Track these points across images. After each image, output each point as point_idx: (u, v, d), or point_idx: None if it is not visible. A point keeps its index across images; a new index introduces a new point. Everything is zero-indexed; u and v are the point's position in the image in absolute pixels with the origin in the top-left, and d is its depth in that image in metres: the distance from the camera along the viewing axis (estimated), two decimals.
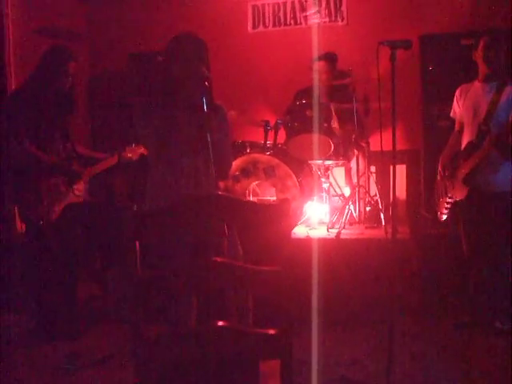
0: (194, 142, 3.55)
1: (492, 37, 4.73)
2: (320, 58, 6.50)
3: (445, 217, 5.02)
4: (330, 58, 6.52)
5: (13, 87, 6.56)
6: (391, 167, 3.96)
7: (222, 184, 5.76)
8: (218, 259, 2.29)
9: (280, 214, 2.26)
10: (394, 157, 3.84)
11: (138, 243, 2.36)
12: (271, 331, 2.23)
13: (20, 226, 5.91)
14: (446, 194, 4.96)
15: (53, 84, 4.96)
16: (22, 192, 4.85)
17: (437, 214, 5.15)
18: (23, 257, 5.54)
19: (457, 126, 5.07)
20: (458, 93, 4.99)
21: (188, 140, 3.57)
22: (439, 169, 5.07)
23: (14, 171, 4.90)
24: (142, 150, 5.15)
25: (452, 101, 5.09)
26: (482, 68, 4.77)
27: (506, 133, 4.45)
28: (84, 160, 5.25)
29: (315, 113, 5.68)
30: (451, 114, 5.10)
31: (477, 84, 4.85)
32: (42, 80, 4.94)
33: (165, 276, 2.35)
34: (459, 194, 4.81)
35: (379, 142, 4.63)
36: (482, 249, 4.82)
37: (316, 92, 6.11)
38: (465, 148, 4.79)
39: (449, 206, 4.96)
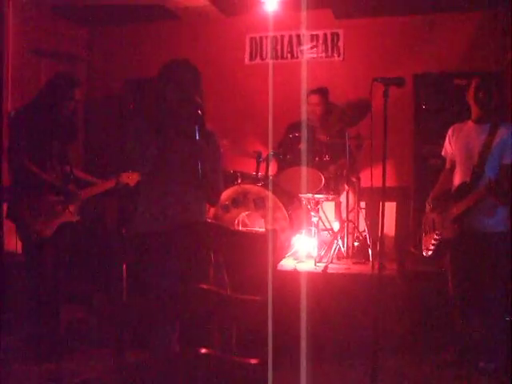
0: (184, 169, 3.56)
1: (483, 78, 4.76)
2: (314, 92, 6.56)
3: (430, 253, 5.01)
4: (322, 91, 6.58)
5: (9, 106, 6.59)
6: (381, 203, 3.98)
7: (211, 212, 5.78)
8: (204, 286, 2.30)
9: (267, 245, 2.27)
10: (383, 193, 3.87)
11: (125, 267, 2.37)
12: (253, 360, 2.23)
13: (15, 245, 5.89)
14: (434, 230, 4.96)
15: (57, 108, 5.01)
16: (20, 208, 4.87)
17: (423, 250, 5.15)
18: (18, 275, 5.52)
19: (447, 165, 5.07)
20: (450, 132, 4.99)
21: (179, 166, 3.57)
22: (429, 204, 5.07)
23: (13, 188, 4.92)
24: (138, 176, 5.18)
25: (443, 140, 5.11)
26: (474, 109, 4.80)
27: (503, 179, 4.45)
28: (81, 183, 5.27)
29: (304, 146, 5.73)
30: (442, 153, 5.10)
31: (470, 124, 4.85)
32: (47, 103, 4.99)
33: (150, 301, 2.36)
34: (448, 232, 4.81)
35: (370, 177, 4.68)
36: (468, 288, 4.82)
37: (307, 126, 6.16)
38: (457, 188, 4.78)
39: (436, 242, 4.95)
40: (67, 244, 5.15)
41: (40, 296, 4.98)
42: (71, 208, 5.09)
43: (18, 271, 5.32)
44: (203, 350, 2.27)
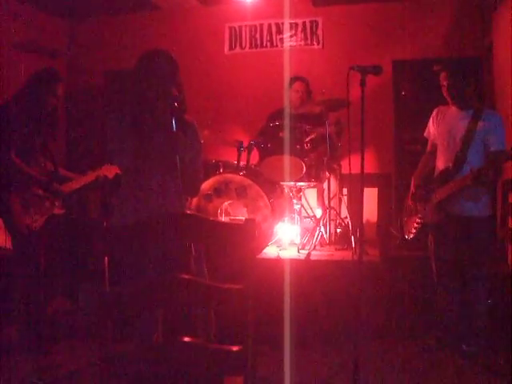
0: (163, 161, 3.54)
1: (451, 69, 4.78)
2: (297, 78, 6.60)
3: (411, 236, 5.06)
4: (303, 79, 6.62)
5: None
6: (360, 189, 4.01)
7: (194, 202, 5.80)
8: (184, 276, 2.33)
9: (245, 235, 2.30)
10: (362, 179, 3.90)
11: (106, 258, 2.40)
12: (235, 348, 2.27)
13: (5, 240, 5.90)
14: (416, 214, 5.00)
15: (40, 103, 5.00)
16: (8, 202, 4.87)
17: (405, 232, 5.19)
18: (8, 269, 5.54)
19: (429, 147, 5.10)
20: (434, 113, 5.02)
21: (157, 158, 3.55)
22: (411, 188, 5.09)
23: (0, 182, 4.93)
24: (117, 169, 5.19)
25: (423, 125, 5.13)
26: (447, 99, 4.84)
27: (489, 166, 4.47)
28: (63, 180, 5.29)
29: (286, 134, 5.76)
30: (425, 134, 5.11)
31: (453, 109, 4.87)
32: (31, 98, 4.98)
33: (132, 292, 2.39)
34: (431, 217, 4.85)
35: (350, 164, 4.72)
36: (451, 272, 4.86)
37: (288, 113, 6.21)
38: (440, 173, 4.83)
39: (418, 226, 4.99)
40: (55, 236, 5.18)
41: (30, 288, 5.00)
42: (56, 202, 5.11)
43: (7, 266, 5.35)
44: (186, 339, 2.30)
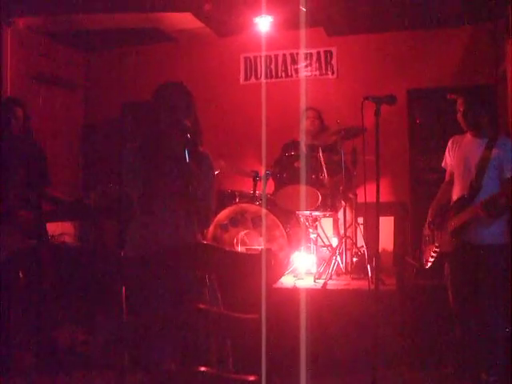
0: (175, 192, 3.57)
1: (466, 96, 4.79)
2: (311, 108, 6.65)
3: (429, 264, 5.03)
4: (314, 108, 6.67)
5: None
6: (376, 218, 4.02)
7: (210, 232, 5.82)
8: (200, 306, 2.34)
9: (261, 264, 2.31)
10: (377, 208, 3.91)
11: (123, 289, 2.41)
12: (250, 377, 2.27)
13: None
14: (433, 242, 4.98)
15: (3, 129, 5.15)
16: None
17: (422, 261, 5.16)
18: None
19: (447, 177, 5.08)
20: (450, 144, 5.00)
21: (169, 189, 3.58)
22: (428, 217, 5.08)
23: None
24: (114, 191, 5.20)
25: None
26: (463, 126, 4.84)
27: (503, 193, 4.46)
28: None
29: (301, 164, 5.78)
30: (442, 165, 5.09)
31: (468, 137, 4.85)
32: None
33: (148, 321, 2.40)
34: (447, 245, 4.82)
35: (366, 193, 4.72)
36: (468, 301, 4.82)
37: (304, 144, 6.23)
38: (456, 201, 4.80)
39: (435, 255, 4.96)
40: (27, 268, 5.11)
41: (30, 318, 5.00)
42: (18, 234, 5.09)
43: None
44: (201, 368, 2.31)
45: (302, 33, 7.29)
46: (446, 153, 5.04)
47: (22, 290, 5.00)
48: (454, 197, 4.86)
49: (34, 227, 5.12)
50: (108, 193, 5.22)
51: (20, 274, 4.98)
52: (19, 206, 5.05)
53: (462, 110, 4.76)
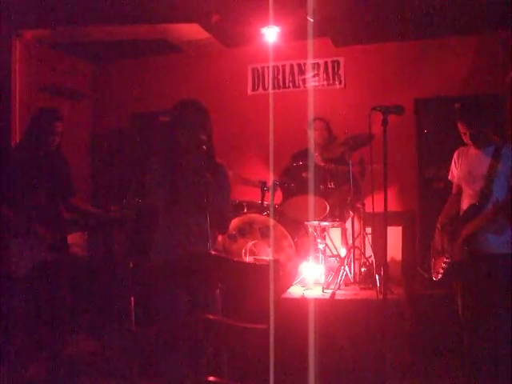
0: (193, 202, 3.82)
1: (466, 116, 4.75)
2: (319, 118, 6.65)
3: (440, 276, 5.01)
4: (322, 119, 6.67)
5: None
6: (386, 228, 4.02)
7: (219, 243, 5.82)
8: (210, 316, 2.34)
9: (269, 274, 2.32)
10: (385, 218, 3.91)
11: (133, 299, 2.42)
12: None
13: None
14: (444, 253, 4.96)
15: (40, 144, 5.06)
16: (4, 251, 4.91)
17: (432, 272, 5.14)
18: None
19: (454, 189, 5.07)
20: (455, 156, 5.01)
21: (188, 200, 3.83)
22: (437, 228, 5.07)
23: None
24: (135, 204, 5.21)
25: (447, 163, 5.11)
26: (469, 144, 4.84)
27: (510, 199, 4.46)
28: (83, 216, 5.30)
29: (310, 174, 5.79)
30: (449, 177, 5.10)
31: (474, 148, 4.85)
32: (30, 141, 5.06)
33: (158, 331, 2.40)
34: (458, 255, 4.80)
35: (375, 203, 4.72)
36: (478, 311, 4.80)
37: (311, 154, 6.24)
38: (466, 210, 4.79)
39: (445, 266, 4.93)
40: (46, 283, 5.11)
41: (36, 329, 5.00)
42: (46, 246, 5.08)
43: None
44: (211, 378, 2.31)
45: (310, 43, 7.31)
46: (452, 165, 5.03)
47: (43, 301, 5.02)
48: (464, 206, 4.84)
49: (58, 239, 5.14)
50: (132, 205, 5.26)
51: (43, 286, 5.01)
52: (44, 219, 5.05)
53: (463, 132, 4.76)
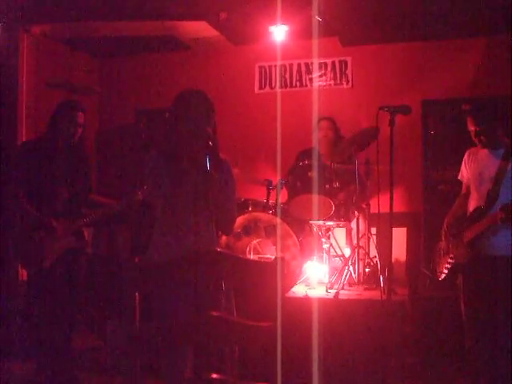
0: (197, 199, 3.59)
1: (477, 114, 4.75)
2: (325, 118, 6.65)
3: (443, 276, 5.01)
4: (329, 118, 6.67)
5: (24, 139, 6.70)
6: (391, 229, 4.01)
7: (223, 240, 5.82)
8: (214, 313, 2.34)
9: (274, 273, 2.31)
10: (391, 218, 3.90)
11: (137, 296, 2.42)
12: None
13: (21, 274, 5.97)
14: (448, 253, 4.95)
15: (63, 135, 5.05)
16: (22, 245, 4.92)
17: (436, 272, 5.14)
18: (25, 304, 5.58)
19: (464, 189, 5.06)
20: (466, 156, 4.98)
21: (191, 197, 3.60)
22: (444, 228, 5.06)
23: (13, 227, 4.99)
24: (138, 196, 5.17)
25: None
26: (477, 144, 4.82)
27: None
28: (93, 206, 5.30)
29: (315, 173, 5.78)
30: (459, 177, 5.08)
31: (484, 149, 4.83)
32: (53, 132, 5.06)
33: (162, 328, 2.40)
34: (462, 256, 4.80)
35: (379, 203, 4.71)
36: (481, 312, 4.79)
37: (318, 153, 6.23)
38: (472, 212, 4.78)
39: (449, 266, 4.92)
40: (74, 272, 5.15)
41: (45, 324, 5.01)
42: (70, 238, 5.09)
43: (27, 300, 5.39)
44: (215, 376, 2.31)
45: (317, 42, 7.31)
46: (463, 166, 5.02)
47: (62, 296, 5.03)
48: (471, 208, 4.84)
49: (77, 234, 5.15)
50: (134, 200, 5.20)
51: (61, 282, 5.02)
52: (65, 214, 5.05)
53: (472, 129, 4.75)
